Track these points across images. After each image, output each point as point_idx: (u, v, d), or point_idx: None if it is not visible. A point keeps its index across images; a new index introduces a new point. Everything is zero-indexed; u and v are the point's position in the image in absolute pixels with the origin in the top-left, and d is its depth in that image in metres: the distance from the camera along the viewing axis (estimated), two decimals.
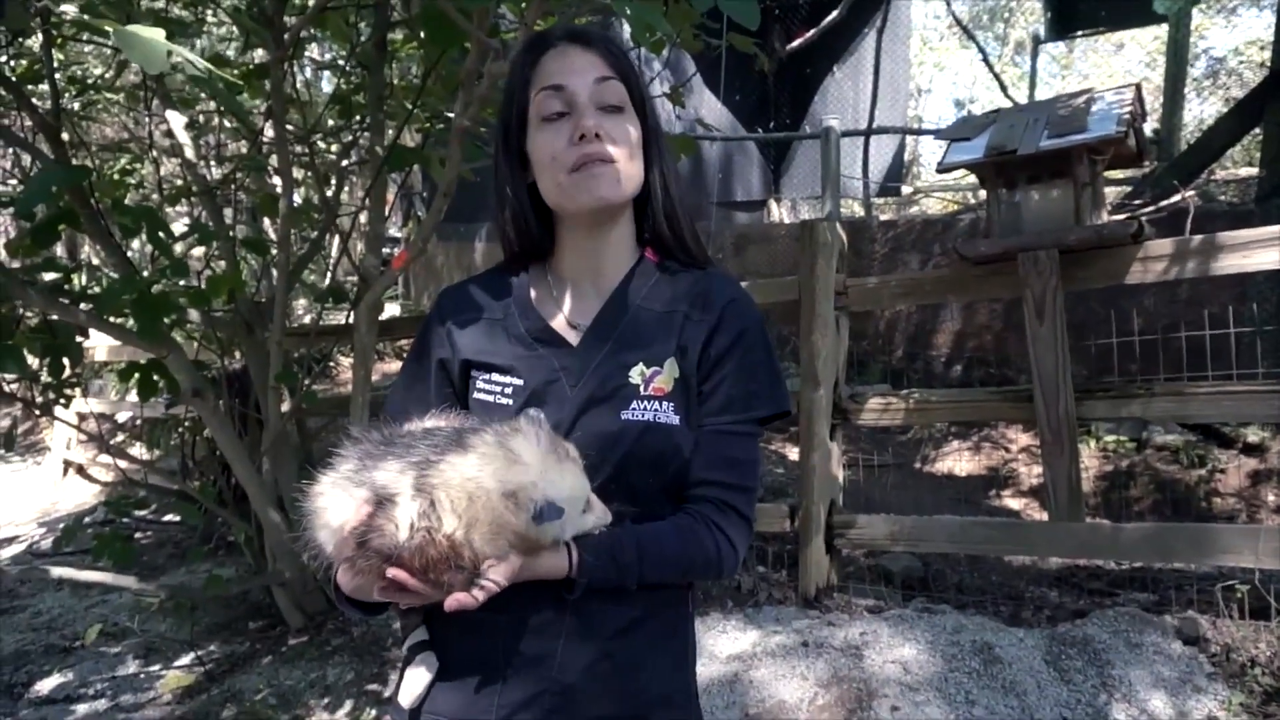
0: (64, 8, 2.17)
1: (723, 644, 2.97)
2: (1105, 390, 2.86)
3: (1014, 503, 4.63)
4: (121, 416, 7.39)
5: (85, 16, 1.95)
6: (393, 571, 0.87)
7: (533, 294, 1.14)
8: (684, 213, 1.15)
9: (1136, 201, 4.58)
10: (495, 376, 1.08)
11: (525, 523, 0.87)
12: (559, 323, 1.11)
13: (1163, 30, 9.38)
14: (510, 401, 1.06)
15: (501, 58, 1.97)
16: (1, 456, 8.01)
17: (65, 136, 3.36)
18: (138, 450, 6.42)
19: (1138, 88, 2.66)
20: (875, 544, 3.31)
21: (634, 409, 1.04)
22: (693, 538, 1.05)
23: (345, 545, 0.89)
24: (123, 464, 3.90)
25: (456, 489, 0.86)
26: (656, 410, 1.04)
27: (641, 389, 1.05)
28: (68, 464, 6.78)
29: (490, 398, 1.08)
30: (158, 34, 1.38)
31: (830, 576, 3.29)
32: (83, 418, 6.65)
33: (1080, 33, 9.51)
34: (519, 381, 1.07)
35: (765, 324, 1.16)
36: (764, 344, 1.13)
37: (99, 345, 6.58)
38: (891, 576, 3.51)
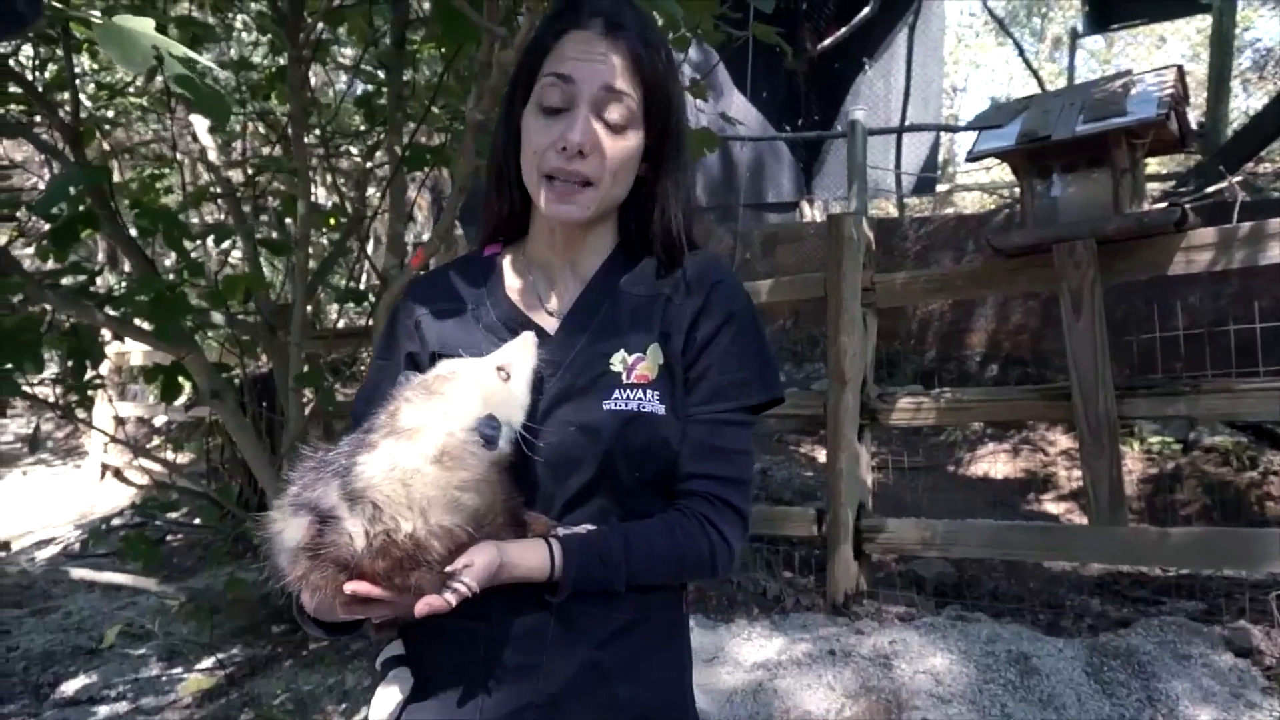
0: None
1: (747, 651, 2.89)
2: (1148, 388, 2.73)
3: (1053, 507, 4.47)
4: (158, 420, 7.48)
5: (64, 6, 1.92)
6: (351, 585, 0.82)
7: (507, 281, 1.08)
8: (685, 231, 1.06)
9: (1181, 189, 4.40)
10: None
11: (485, 463, 0.85)
12: (535, 310, 1.05)
13: (1206, 21, 9.10)
14: None
15: (510, 46, 1.91)
16: (43, 460, 8.17)
17: (103, 144, 3.39)
18: (181, 455, 6.50)
19: (1179, 69, 2.54)
20: (906, 549, 3.21)
21: (616, 398, 0.98)
22: (683, 534, 0.99)
23: (298, 564, 0.85)
24: (152, 467, 3.92)
25: (386, 484, 0.82)
26: (641, 399, 0.98)
27: (624, 377, 0.99)
28: (105, 467, 6.88)
29: None
30: (145, 25, 1.33)
31: (859, 582, 3.19)
32: (120, 421, 6.75)
33: (1119, 25, 9.27)
34: None
35: (757, 309, 1.10)
36: (754, 327, 1.06)
37: (135, 349, 6.68)
38: (923, 583, 3.40)
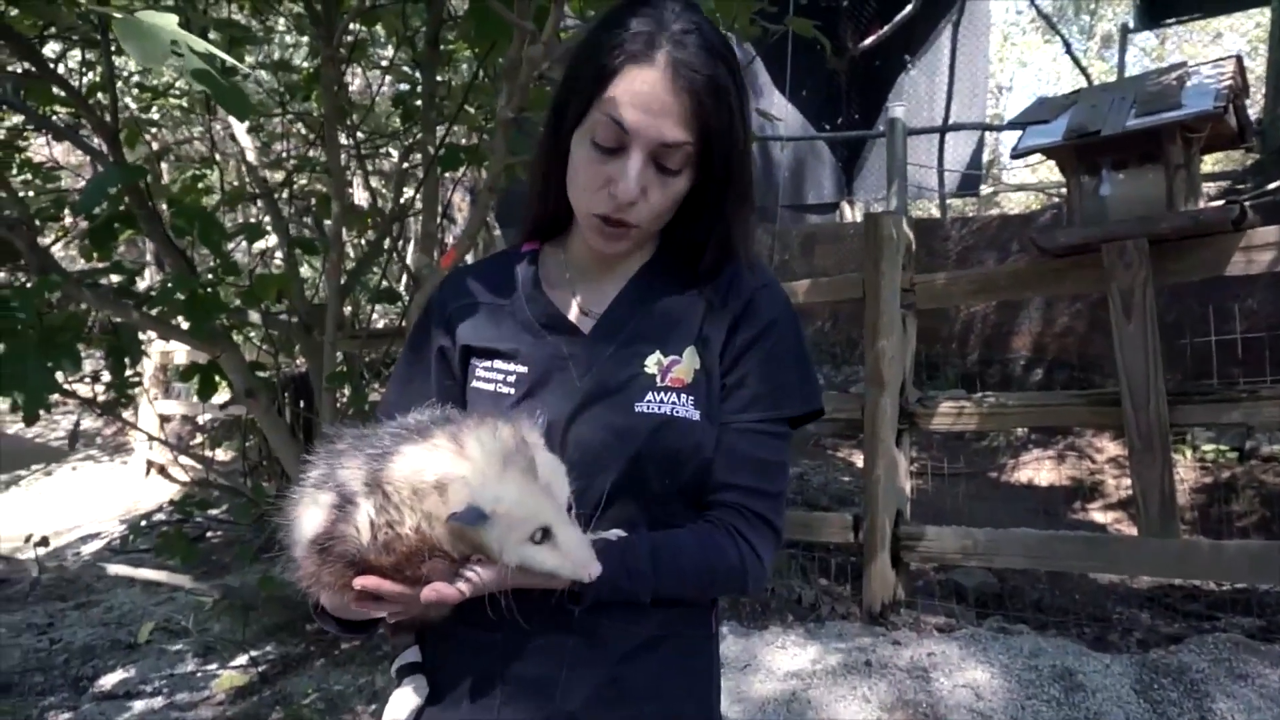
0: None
1: (781, 660, 2.82)
2: (1203, 394, 2.61)
3: (1100, 516, 4.33)
4: (202, 418, 7.60)
5: (83, 1, 1.91)
6: (360, 581, 0.79)
7: (544, 277, 1.04)
8: (743, 247, 1.01)
9: (1240, 187, 4.22)
10: (497, 364, 0.99)
11: (446, 518, 0.78)
12: (570, 309, 1.01)
13: (1265, 16, 8.80)
14: (512, 391, 0.96)
15: (539, 41, 1.88)
16: (91, 456, 8.36)
17: (151, 144, 3.44)
18: (219, 452, 6.61)
19: (1238, 59, 2.42)
20: (945, 558, 3.12)
21: (649, 401, 0.93)
22: (714, 547, 0.94)
23: (308, 560, 0.82)
24: (190, 463, 3.97)
25: (401, 481, 0.77)
26: (675, 404, 0.94)
27: (658, 379, 0.95)
28: (150, 464, 7.01)
29: (490, 386, 0.98)
30: (166, 20, 1.31)
31: (897, 592, 3.10)
32: (164, 419, 6.87)
33: (1174, 20, 8.98)
34: (522, 369, 0.97)
35: (800, 317, 1.04)
36: (796, 336, 1.01)
37: (179, 348, 6.80)
38: (964, 593, 3.30)
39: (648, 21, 0.90)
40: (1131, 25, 8.99)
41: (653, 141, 0.89)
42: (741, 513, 0.96)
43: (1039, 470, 4.84)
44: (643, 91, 0.88)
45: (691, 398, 0.94)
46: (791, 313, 1.02)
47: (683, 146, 0.90)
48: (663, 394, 0.94)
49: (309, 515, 0.83)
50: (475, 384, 0.99)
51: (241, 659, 3.45)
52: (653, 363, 0.95)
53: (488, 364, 0.99)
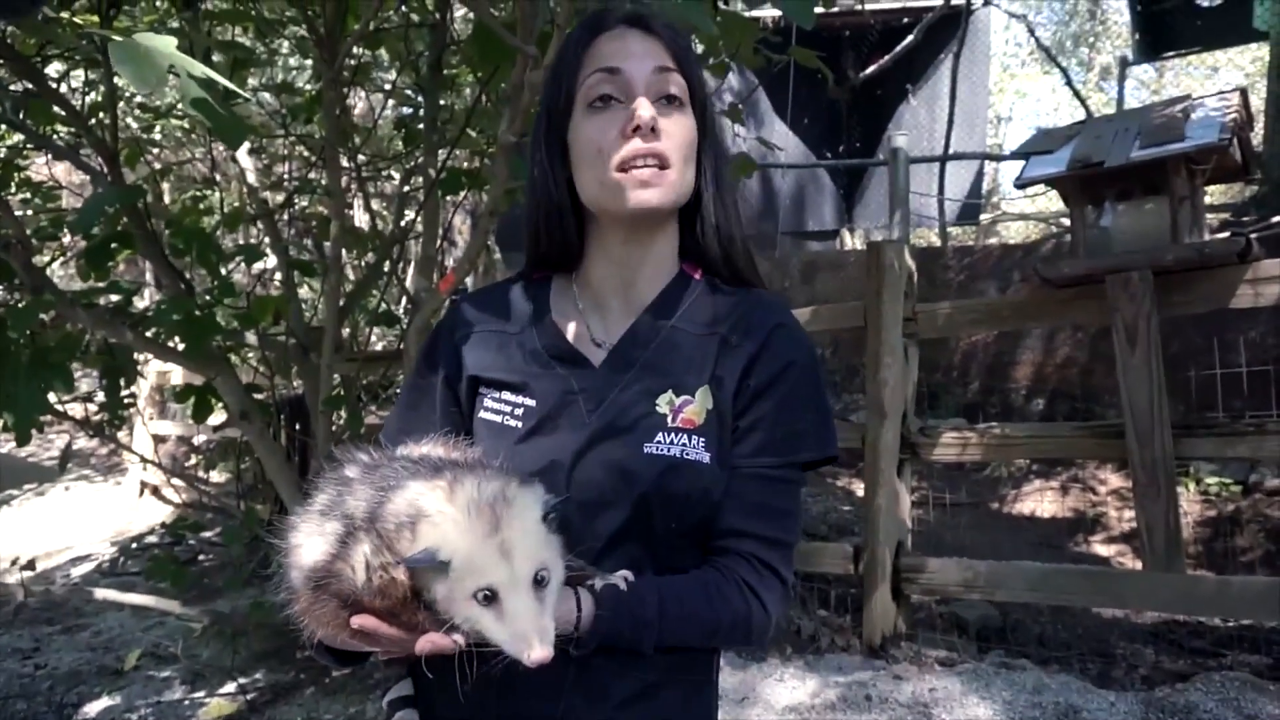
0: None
1: (779, 693, 2.77)
2: (1208, 427, 2.58)
3: (1103, 549, 4.29)
4: (198, 439, 7.55)
5: (82, 22, 1.91)
6: (358, 620, 0.76)
7: (556, 307, 1.01)
8: (737, 227, 1.00)
9: (1244, 219, 4.22)
10: (506, 395, 0.96)
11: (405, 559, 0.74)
12: (581, 340, 0.98)
13: (1262, 51, 8.88)
14: (519, 424, 0.94)
15: (541, 65, 1.87)
16: (85, 476, 8.30)
17: (153, 165, 3.43)
18: (214, 474, 6.56)
19: (1243, 92, 2.42)
20: (947, 590, 3.07)
21: (659, 442, 0.91)
22: (720, 597, 0.91)
23: (302, 595, 0.79)
24: (181, 484, 3.93)
25: (391, 516, 0.74)
26: (685, 445, 0.91)
27: (669, 419, 0.92)
28: (143, 485, 6.95)
29: (498, 418, 0.96)
30: (165, 43, 1.29)
31: (897, 624, 3.05)
32: (159, 440, 6.82)
33: (1172, 54, 9.05)
34: (530, 402, 0.94)
35: (818, 357, 1.02)
36: (813, 378, 0.97)
37: (176, 369, 6.76)
38: (966, 626, 3.25)
39: (603, 15, 0.98)
40: (1130, 58, 9.06)
41: (646, 70, 0.92)
42: (751, 563, 0.93)
43: (1040, 502, 4.80)
44: (618, 44, 0.94)
45: (702, 440, 0.92)
46: (810, 354, 0.98)
47: (673, 73, 0.93)
48: (673, 435, 0.91)
49: (311, 544, 0.80)
50: (482, 415, 0.97)
51: (230, 686, 3.38)
52: (664, 402, 0.93)
53: (496, 395, 0.97)
